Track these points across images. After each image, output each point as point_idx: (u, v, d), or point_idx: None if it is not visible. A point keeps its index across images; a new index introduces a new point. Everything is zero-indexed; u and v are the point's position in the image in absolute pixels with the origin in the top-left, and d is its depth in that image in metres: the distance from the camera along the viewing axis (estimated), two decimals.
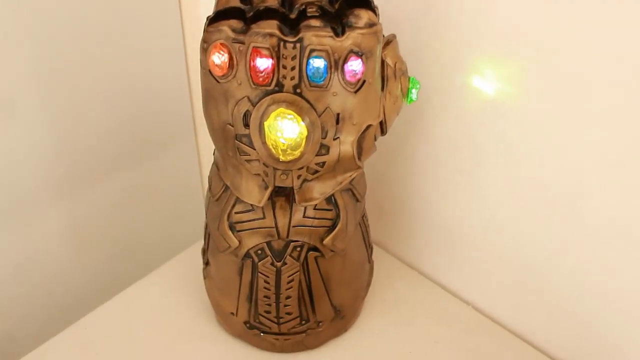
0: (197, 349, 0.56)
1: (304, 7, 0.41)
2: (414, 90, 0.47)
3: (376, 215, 0.65)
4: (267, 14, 0.41)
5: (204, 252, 0.55)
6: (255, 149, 0.43)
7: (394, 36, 0.46)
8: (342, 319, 0.56)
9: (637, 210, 0.46)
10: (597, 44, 0.43)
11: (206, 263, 0.55)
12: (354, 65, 0.40)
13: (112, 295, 0.61)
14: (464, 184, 0.57)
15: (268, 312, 0.52)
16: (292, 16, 0.40)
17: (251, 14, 0.41)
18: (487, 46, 0.49)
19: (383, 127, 0.46)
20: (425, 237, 0.63)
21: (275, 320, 0.52)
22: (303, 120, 0.41)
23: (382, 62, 0.44)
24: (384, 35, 0.45)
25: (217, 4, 0.42)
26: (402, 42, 0.51)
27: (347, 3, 0.41)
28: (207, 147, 0.78)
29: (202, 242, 0.55)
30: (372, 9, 0.41)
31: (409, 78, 0.47)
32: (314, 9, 0.41)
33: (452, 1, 0.49)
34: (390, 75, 0.45)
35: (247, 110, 0.41)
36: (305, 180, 0.45)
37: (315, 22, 0.39)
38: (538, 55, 0.47)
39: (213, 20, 0.41)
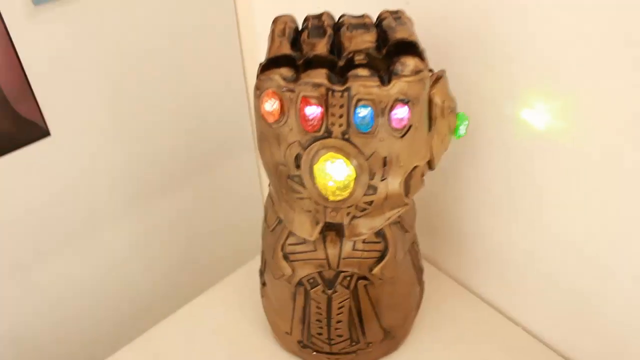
0: None
1: (352, 54, 0.42)
2: (462, 126, 0.48)
3: (429, 234, 0.66)
4: (317, 61, 0.42)
5: (262, 273, 0.58)
6: (306, 188, 0.45)
7: (443, 72, 0.47)
8: (392, 339, 0.57)
9: None
10: None
11: (263, 284, 0.58)
12: (400, 113, 0.41)
13: (177, 308, 0.65)
14: (514, 209, 0.57)
15: (320, 334, 0.54)
16: (341, 64, 0.42)
17: (301, 61, 0.42)
18: (536, 79, 0.49)
19: (431, 164, 0.47)
20: (477, 257, 0.64)
21: (327, 341, 0.54)
22: (351, 163, 0.43)
23: (430, 101, 0.45)
24: (433, 71, 0.46)
25: (269, 51, 0.44)
26: (453, 75, 0.52)
27: (395, 48, 0.42)
28: None
29: (260, 256, 0.58)
30: (420, 54, 0.42)
31: (458, 114, 0.48)
32: (362, 57, 0.42)
33: (502, 34, 0.49)
34: (438, 114, 0.45)
35: (298, 154, 0.43)
36: (354, 217, 0.46)
37: (362, 72, 0.41)
38: (589, 89, 0.46)
39: (265, 67, 0.43)
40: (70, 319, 0.69)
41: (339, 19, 0.46)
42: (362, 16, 0.46)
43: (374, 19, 0.46)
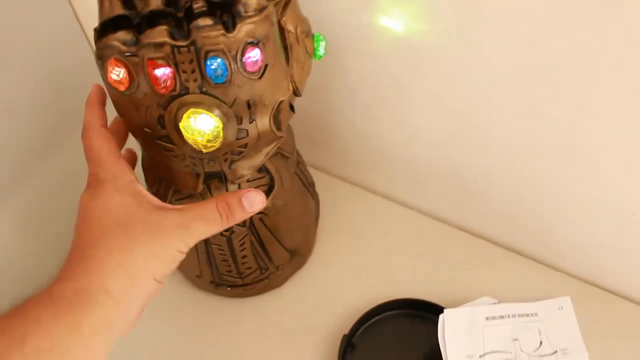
0: (176, 308, 0.61)
1: (189, 3, 0.40)
2: (320, 47, 0.48)
3: (312, 146, 0.67)
4: (154, 17, 0.40)
5: None
6: (177, 146, 0.44)
7: None
8: (299, 256, 0.60)
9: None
10: None
11: None
12: (253, 56, 0.40)
13: None
14: (384, 109, 0.59)
15: (229, 271, 0.55)
16: (180, 15, 0.40)
17: (137, 20, 0.40)
18: None
19: (297, 93, 0.47)
20: (359, 157, 0.66)
21: (238, 276, 0.56)
22: (215, 115, 0.42)
23: (283, 29, 0.44)
24: None
25: (100, 13, 0.41)
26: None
27: None
28: None
29: None
30: None
31: (314, 35, 0.47)
32: (201, 4, 0.40)
33: None
34: (293, 42, 0.45)
35: (160, 114, 0.42)
36: (232, 162, 0.46)
37: (204, 21, 0.38)
38: None
39: (101, 33, 0.40)
40: None
41: None
42: None
43: None
